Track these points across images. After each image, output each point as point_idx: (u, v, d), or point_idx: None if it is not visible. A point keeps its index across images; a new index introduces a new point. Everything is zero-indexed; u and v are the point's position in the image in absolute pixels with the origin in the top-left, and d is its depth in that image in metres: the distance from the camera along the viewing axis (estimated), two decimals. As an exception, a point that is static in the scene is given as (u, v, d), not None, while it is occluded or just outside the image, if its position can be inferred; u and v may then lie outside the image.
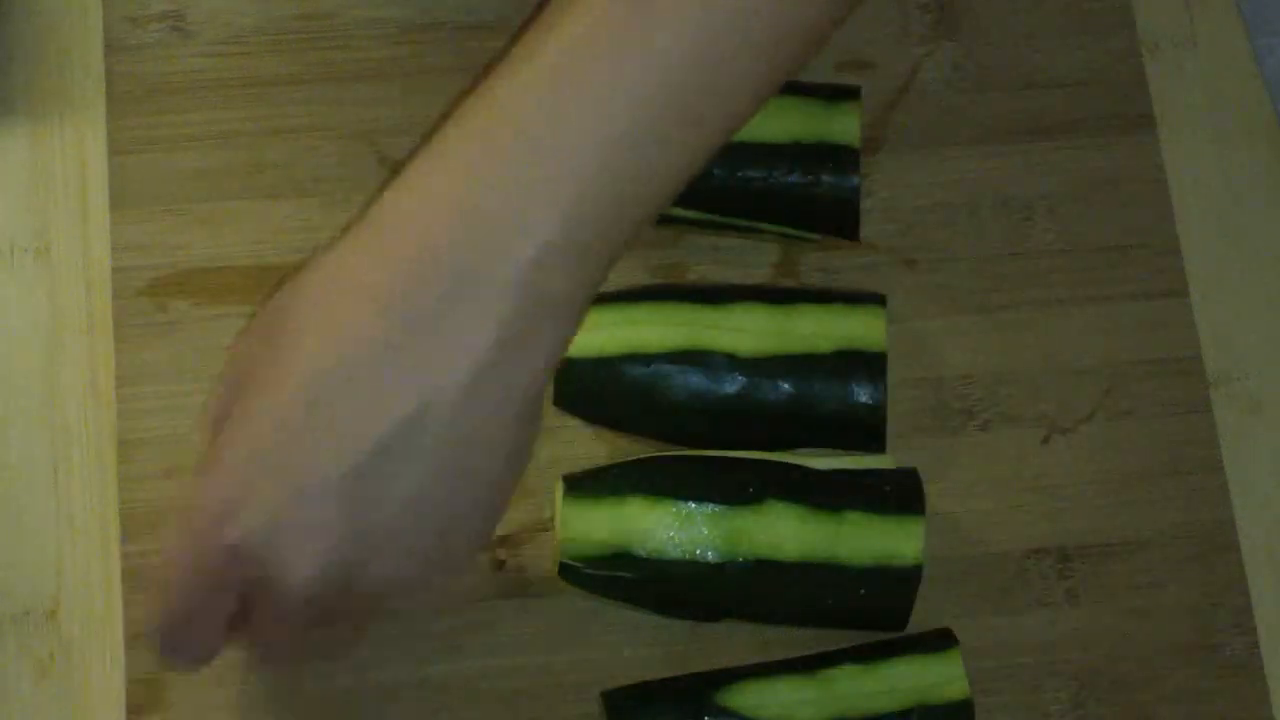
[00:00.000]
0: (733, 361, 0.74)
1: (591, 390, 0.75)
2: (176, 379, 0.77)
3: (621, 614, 0.75)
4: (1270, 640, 0.76)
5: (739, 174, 0.76)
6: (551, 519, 0.76)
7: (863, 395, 0.74)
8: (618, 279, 0.77)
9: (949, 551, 0.76)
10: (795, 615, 0.73)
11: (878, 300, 0.76)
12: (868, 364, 0.74)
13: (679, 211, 0.77)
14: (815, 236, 0.78)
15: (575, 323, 0.61)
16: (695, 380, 0.74)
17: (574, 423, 0.77)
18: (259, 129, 0.80)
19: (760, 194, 0.76)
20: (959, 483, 0.77)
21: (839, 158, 0.76)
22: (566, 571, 0.72)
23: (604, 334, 0.74)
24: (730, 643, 0.75)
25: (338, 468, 0.59)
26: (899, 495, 0.72)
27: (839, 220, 0.77)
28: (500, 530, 0.76)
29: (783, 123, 0.76)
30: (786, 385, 0.74)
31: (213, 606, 0.63)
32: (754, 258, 0.79)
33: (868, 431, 0.75)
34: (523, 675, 0.75)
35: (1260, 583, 0.77)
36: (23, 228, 0.79)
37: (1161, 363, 0.79)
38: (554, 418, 0.76)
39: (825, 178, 0.76)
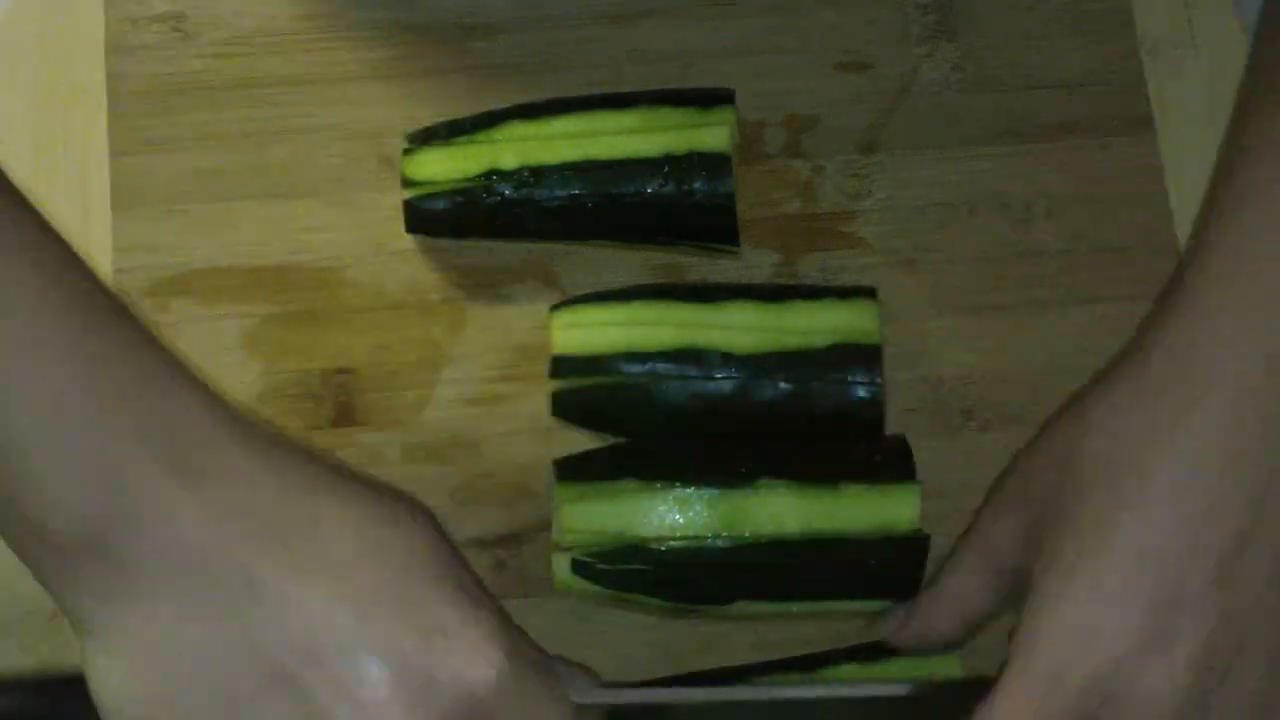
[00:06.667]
0: (729, 360, 0.74)
1: (587, 392, 0.75)
2: (177, 379, 0.77)
3: (621, 614, 0.75)
4: (1269, 638, 0.76)
5: (610, 192, 0.75)
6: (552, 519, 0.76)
7: (860, 389, 0.74)
8: (617, 279, 0.78)
9: (948, 551, 0.76)
10: (810, 591, 0.73)
11: (868, 293, 0.76)
12: (863, 356, 0.74)
13: (553, 245, 0.78)
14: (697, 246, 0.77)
15: None
16: (692, 379, 0.74)
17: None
18: (260, 129, 0.80)
19: (633, 209, 0.75)
20: (958, 483, 0.77)
21: (711, 166, 0.75)
22: (578, 567, 0.72)
23: (597, 333, 0.74)
24: (730, 643, 0.75)
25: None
26: (890, 463, 0.72)
27: (716, 228, 0.76)
28: (500, 530, 0.76)
29: (655, 136, 0.75)
30: (783, 382, 0.74)
31: None
32: (754, 259, 0.79)
33: (867, 424, 0.75)
34: (523, 675, 0.75)
35: (1260, 582, 0.77)
36: (24, 228, 0.79)
37: (1161, 363, 0.79)
38: (553, 419, 0.76)
39: (699, 186, 0.75)
